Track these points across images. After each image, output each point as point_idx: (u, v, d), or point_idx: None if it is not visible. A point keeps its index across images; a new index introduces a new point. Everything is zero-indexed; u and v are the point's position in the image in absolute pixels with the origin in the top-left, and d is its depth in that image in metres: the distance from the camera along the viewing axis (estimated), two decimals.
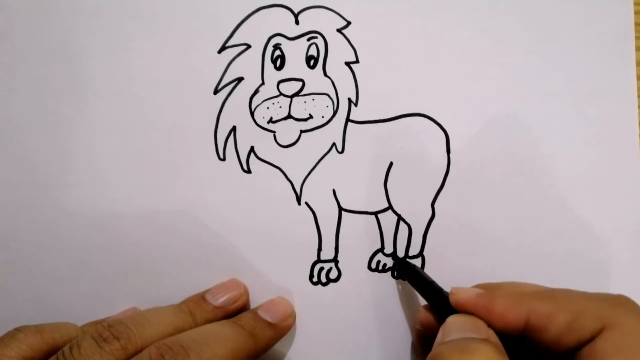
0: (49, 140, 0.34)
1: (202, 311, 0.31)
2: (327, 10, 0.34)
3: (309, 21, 0.33)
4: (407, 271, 0.32)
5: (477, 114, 0.34)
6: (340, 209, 0.34)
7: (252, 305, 0.33)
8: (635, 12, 0.34)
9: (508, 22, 0.34)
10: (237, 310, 0.32)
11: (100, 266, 0.33)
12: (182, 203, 0.33)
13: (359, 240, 0.34)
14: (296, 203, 0.34)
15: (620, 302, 0.24)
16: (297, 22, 0.33)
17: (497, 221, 0.34)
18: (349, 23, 0.34)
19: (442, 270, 0.33)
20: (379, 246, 0.34)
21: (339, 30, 0.34)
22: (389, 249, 0.34)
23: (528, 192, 0.34)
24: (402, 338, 0.34)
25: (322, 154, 0.34)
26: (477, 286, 0.30)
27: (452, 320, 0.26)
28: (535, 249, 0.34)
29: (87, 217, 0.33)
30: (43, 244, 0.33)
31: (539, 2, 0.34)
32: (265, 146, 0.33)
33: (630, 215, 0.34)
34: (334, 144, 0.34)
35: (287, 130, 0.33)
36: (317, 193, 0.34)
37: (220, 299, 0.31)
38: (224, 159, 0.34)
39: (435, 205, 0.34)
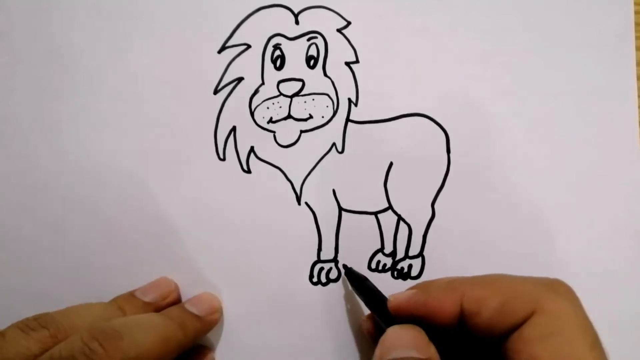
0: (49, 140, 0.34)
1: (132, 306, 0.31)
2: (327, 10, 0.34)
3: (309, 21, 0.33)
4: (351, 279, 0.32)
5: (477, 114, 0.34)
6: (340, 209, 0.34)
7: None
8: (635, 12, 0.34)
9: (508, 22, 0.34)
10: (167, 306, 0.32)
11: (100, 266, 0.33)
12: (182, 203, 0.33)
13: (359, 240, 0.34)
14: (296, 203, 0.34)
15: (553, 286, 0.24)
16: (297, 22, 0.33)
17: (497, 221, 0.34)
18: (349, 23, 0.34)
19: (442, 270, 0.33)
20: (379, 246, 0.34)
21: (339, 30, 0.34)
22: (389, 249, 0.34)
23: (528, 192, 0.34)
24: None
25: (322, 154, 0.34)
26: (413, 287, 0.30)
27: (391, 333, 0.25)
28: (535, 249, 0.34)
29: (87, 217, 0.33)
30: (43, 244, 0.33)
31: (539, 2, 0.34)
32: (265, 146, 0.33)
33: (630, 215, 0.34)
34: (334, 144, 0.34)
35: (287, 130, 0.33)
36: (317, 193, 0.34)
37: (150, 295, 0.32)
38: (224, 159, 0.34)
39: (435, 205, 0.34)
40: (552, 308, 0.22)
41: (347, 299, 0.34)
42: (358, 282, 0.32)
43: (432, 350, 0.24)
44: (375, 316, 0.29)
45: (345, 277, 0.33)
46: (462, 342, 0.25)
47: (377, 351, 0.25)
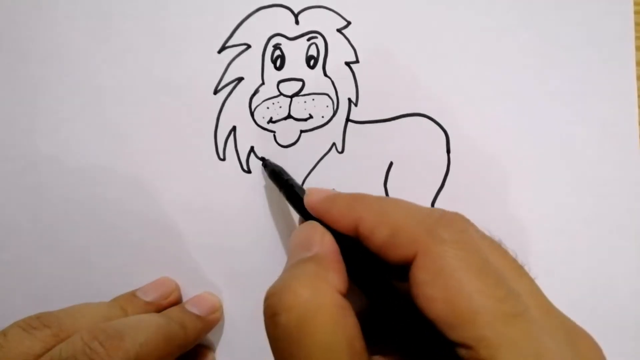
0: (49, 140, 0.34)
1: (134, 307, 0.31)
2: (327, 10, 0.34)
3: (309, 21, 0.33)
4: (271, 173, 0.32)
5: (477, 114, 0.34)
6: None
7: None
8: (635, 12, 0.34)
9: (508, 22, 0.34)
10: (168, 306, 0.32)
11: (101, 266, 0.33)
12: (182, 203, 0.33)
13: None
14: None
15: (441, 222, 0.22)
16: (297, 22, 0.33)
17: (496, 221, 0.33)
18: (349, 23, 0.34)
19: None
20: None
21: (339, 30, 0.34)
22: None
23: (528, 192, 0.34)
24: None
25: (322, 154, 0.34)
26: (332, 192, 0.29)
27: (295, 233, 0.26)
28: (535, 249, 0.34)
29: (87, 217, 0.33)
30: (43, 244, 0.33)
31: (539, 2, 0.34)
32: (265, 146, 0.33)
33: (630, 215, 0.34)
34: (334, 144, 0.34)
35: (287, 130, 0.33)
36: None
37: (151, 295, 0.32)
38: (224, 159, 0.34)
39: (435, 205, 0.34)
40: (432, 247, 0.21)
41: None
42: (277, 176, 0.31)
43: (325, 241, 0.24)
44: (295, 210, 0.29)
45: (264, 171, 0.33)
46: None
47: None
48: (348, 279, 0.23)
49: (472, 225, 0.23)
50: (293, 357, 0.21)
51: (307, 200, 0.27)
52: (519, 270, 0.22)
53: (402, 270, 0.22)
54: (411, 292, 0.21)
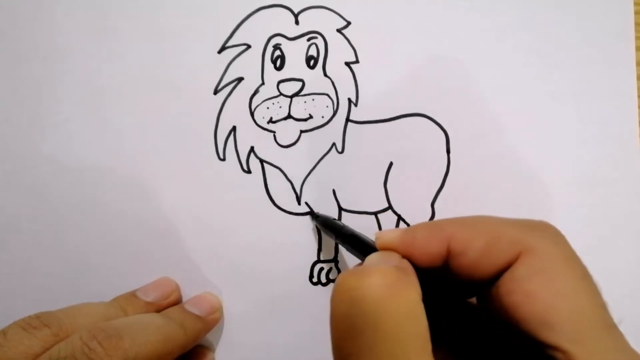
0: (49, 140, 0.34)
1: (134, 307, 0.31)
2: (327, 10, 0.34)
3: (309, 21, 0.33)
4: (326, 227, 0.31)
5: (477, 114, 0.34)
6: (340, 209, 0.34)
7: None
8: (635, 12, 0.34)
9: (508, 22, 0.34)
10: (168, 306, 0.32)
11: (100, 266, 0.33)
12: (182, 203, 0.33)
13: None
14: (296, 203, 0.34)
15: (538, 226, 0.23)
16: (297, 22, 0.33)
17: None
18: (349, 23, 0.34)
19: None
20: None
21: (339, 30, 0.34)
22: None
23: (528, 192, 0.34)
24: None
25: (322, 154, 0.34)
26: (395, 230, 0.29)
27: (368, 258, 0.25)
28: None
29: (87, 217, 0.33)
30: (43, 244, 0.33)
31: (539, 2, 0.34)
32: (265, 146, 0.33)
33: (630, 215, 0.34)
34: (334, 144, 0.34)
35: (287, 130, 0.33)
36: (317, 193, 0.34)
37: (151, 295, 0.32)
38: (224, 159, 0.34)
39: (435, 205, 0.34)
40: (539, 247, 0.22)
41: None
42: (336, 231, 0.30)
43: (403, 261, 0.24)
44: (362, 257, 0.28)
45: (318, 228, 0.32)
46: (447, 285, 0.25)
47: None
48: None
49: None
50: (359, 334, 0.20)
51: (383, 242, 0.25)
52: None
53: (480, 287, 0.22)
54: (503, 291, 0.21)
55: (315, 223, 0.33)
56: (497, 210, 0.33)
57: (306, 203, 0.34)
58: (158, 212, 0.33)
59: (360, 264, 0.26)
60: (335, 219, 0.32)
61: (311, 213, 0.33)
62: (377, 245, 0.26)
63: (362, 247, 0.27)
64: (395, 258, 0.24)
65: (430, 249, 0.24)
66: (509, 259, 0.22)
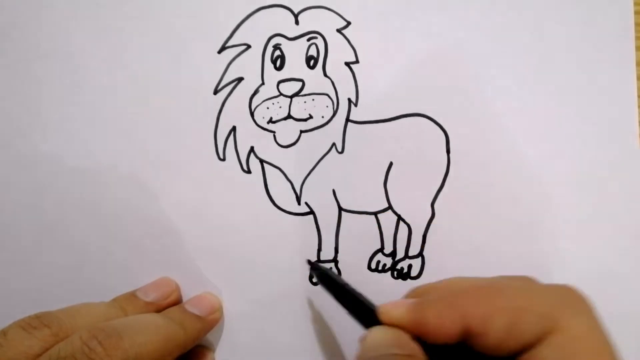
0: (48, 140, 0.34)
1: (134, 307, 0.31)
2: (327, 11, 0.34)
3: (309, 21, 0.33)
4: (323, 280, 0.29)
5: (477, 114, 0.34)
6: (340, 209, 0.34)
7: None
8: (635, 12, 0.34)
9: (508, 22, 0.34)
10: (168, 306, 0.32)
11: (100, 266, 0.33)
12: (182, 203, 0.33)
13: (358, 241, 0.34)
14: (296, 203, 0.34)
15: (568, 299, 0.21)
16: (297, 22, 0.33)
17: (496, 221, 0.34)
18: (349, 23, 0.34)
19: (442, 270, 0.33)
20: (378, 246, 0.34)
21: (339, 31, 0.34)
22: (388, 249, 0.34)
23: (528, 192, 0.34)
24: None
25: (322, 154, 0.34)
26: (410, 294, 0.27)
27: (373, 334, 0.23)
28: (535, 249, 0.34)
29: (87, 217, 0.33)
30: (43, 244, 0.33)
31: (539, 2, 0.34)
32: (265, 146, 0.33)
33: (631, 215, 0.34)
34: (333, 144, 0.34)
35: (287, 131, 0.33)
36: (317, 193, 0.34)
37: (151, 295, 0.32)
38: (224, 159, 0.34)
39: (435, 205, 0.34)
40: (569, 327, 0.20)
41: None
42: (335, 287, 0.28)
43: (415, 348, 0.22)
44: (360, 322, 0.26)
45: (312, 274, 0.31)
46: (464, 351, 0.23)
47: (357, 353, 0.23)
48: None
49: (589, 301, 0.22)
50: None
51: (388, 316, 0.23)
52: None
53: None
54: None
55: (312, 273, 0.32)
56: (497, 210, 0.33)
57: (306, 203, 0.34)
58: (158, 212, 0.33)
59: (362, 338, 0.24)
60: (333, 272, 0.30)
61: (309, 262, 0.32)
62: (384, 319, 0.24)
63: (364, 313, 0.25)
64: (406, 341, 0.22)
65: (444, 330, 0.22)
66: (535, 337, 0.20)
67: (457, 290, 0.23)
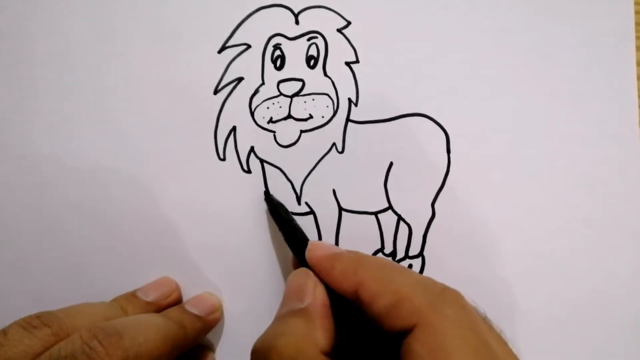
0: (49, 140, 0.34)
1: (134, 306, 0.31)
2: (327, 10, 0.34)
3: (309, 21, 0.33)
4: (274, 213, 0.32)
5: (477, 114, 0.34)
6: (340, 209, 0.34)
7: None
8: (635, 12, 0.34)
9: (508, 22, 0.34)
10: (168, 306, 0.32)
11: (101, 266, 0.33)
12: (182, 203, 0.33)
13: (359, 240, 0.34)
14: (296, 203, 0.34)
15: (443, 296, 0.23)
16: (297, 22, 0.33)
17: (497, 221, 0.34)
18: (349, 23, 0.34)
19: (442, 270, 0.33)
20: (379, 246, 0.34)
21: (339, 30, 0.34)
22: (389, 249, 0.34)
23: (528, 192, 0.34)
24: None
25: (322, 154, 0.34)
26: (348, 251, 0.29)
27: (289, 280, 0.27)
28: (535, 249, 0.34)
29: (87, 217, 0.33)
30: (43, 244, 0.33)
31: (539, 2, 0.34)
32: (265, 146, 0.33)
33: (630, 215, 0.34)
34: (334, 144, 0.34)
35: (287, 130, 0.33)
36: (317, 193, 0.34)
37: (151, 295, 0.32)
38: (224, 159, 0.34)
39: (435, 205, 0.34)
40: (434, 322, 0.21)
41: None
42: (280, 218, 0.31)
43: (317, 295, 0.25)
44: (296, 256, 0.30)
45: (267, 206, 0.33)
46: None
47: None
48: (335, 331, 0.24)
49: (468, 302, 0.24)
50: None
51: (310, 255, 0.27)
52: (507, 348, 0.23)
53: (393, 337, 0.23)
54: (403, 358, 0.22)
55: (266, 204, 0.33)
56: (497, 210, 0.33)
57: (306, 203, 0.34)
58: (158, 211, 0.33)
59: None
60: (285, 208, 0.32)
61: (265, 194, 0.33)
62: (307, 255, 0.28)
63: (297, 246, 0.29)
64: (309, 289, 0.26)
65: (342, 287, 0.25)
66: (407, 325, 0.22)
67: (362, 260, 0.26)
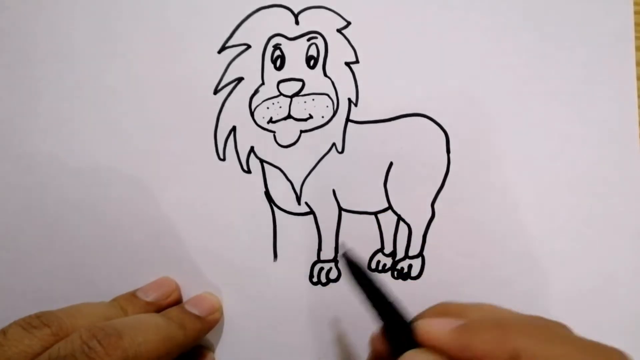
0: (49, 140, 0.34)
1: (134, 306, 0.31)
2: (327, 11, 0.34)
3: (309, 21, 0.33)
4: (358, 279, 0.26)
5: (477, 114, 0.34)
6: (340, 209, 0.34)
7: None
8: (635, 12, 0.34)
9: (508, 22, 0.34)
10: (168, 306, 0.32)
11: (100, 266, 0.33)
12: (182, 203, 0.33)
13: (359, 241, 0.34)
14: (296, 203, 0.34)
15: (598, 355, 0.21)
16: (297, 22, 0.33)
17: (496, 221, 0.34)
18: (349, 23, 0.34)
19: (442, 270, 0.33)
20: (378, 246, 0.34)
21: (339, 31, 0.34)
22: (388, 249, 0.34)
23: (528, 192, 0.34)
24: None
25: (322, 154, 0.34)
26: (439, 307, 0.26)
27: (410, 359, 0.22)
28: (535, 249, 0.34)
29: (88, 217, 0.33)
30: (43, 244, 0.34)
31: (539, 2, 0.34)
32: (265, 146, 0.33)
33: (630, 215, 0.34)
34: (334, 144, 0.34)
35: (287, 130, 0.33)
36: (317, 193, 0.34)
37: (151, 295, 0.32)
38: (224, 159, 0.34)
39: (435, 205, 0.34)
40: None
41: (347, 298, 0.34)
42: (368, 286, 0.25)
43: None
44: (389, 334, 0.24)
45: (344, 263, 0.27)
46: None
47: None
48: None
49: None
50: None
51: (428, 337, 0.22)
52: None
53: None
54: None
55: (344, 262, 0.27)
56: (497, 210, 0.33)
57: (306, 203, 0.34)
58: (158, 212, 0.33)
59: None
60: (367, 270, 0.27)
61: (343, 254, 0.27)
62: (420, 335, 0.22)
63: (397, 321, 0.24)
64: None
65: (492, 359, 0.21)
66: None
67: (504, 319, 0.22)
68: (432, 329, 0.22)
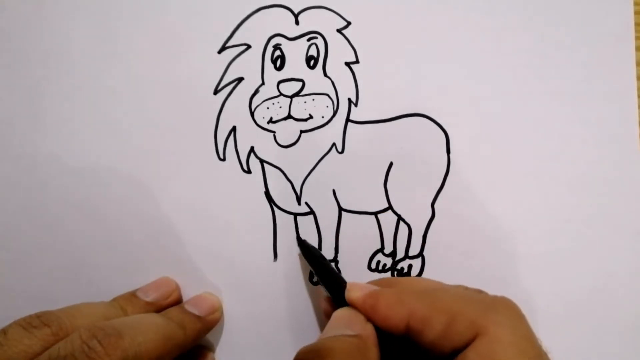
0: (49, 140, 0.34)
1: (134, 306, 0.31)
2: (327, 11, 0.34)
3: (309, 21, 0.33)
4: (308, 256, 0.32)
5: (477, 114, 0.34)
6: (340, 209, 0.34)
7: None
8: (635, 12, 0.34)
9: (508, 22, 0.34)
10: (168, 306, 0.32)
11: (101, 266, 0.33)
12: (182, 203, 0.33)
13: (359, 241, 0.34)
14: (296, 203, 0.34)
15: (496, 306, 0.23)
16: (297, 23, 0.33)
17: (496, 221, 0.34)
18: (349, 23, 0.34)
19: (442, 270, 0.33)
20: (378, 246, 0.34)
21: (339, 31, 0.34)
22: (388, 249, 0.34)
23: (528, 192, 0.34)
24: None
25: (322, 154, 0.34)
26: (375, 282, 0.30)
27: (335, 315, 0.27)
28: (535, 249, 0.34)
29: (88, 217, 0.33)
30: (43, 244, 0.34)
31: (539, 2, 0.34)
32: (265, 146, 0.33)
33: (630, 215, 0.34)
34: (334, 144, 0.34)
35: (287, 131, 0.33)
36: (317, 193, 0.34)
37: (151, 295, 0.32)
38: (224, 159, 0.34)
39: (435, 205, 0.34)
40: (492, 331, 0.22)
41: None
42: (314, 260, 0.31)
43: (366, 329, 0.25)
44: (333, 300, 0.29)
45: (301, 253, 0.33)
46: (413, 349, 0.25)
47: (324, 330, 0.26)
48: None
49: (521, 310, 0.24)
50: None
51: (350, 295, 0.27)
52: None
53: None
54: None
55: (299, 249, 0.33)
56: (497, 210, 0.33)
57: (306, 203, 0.34)
58: (158, 212, 0.33)
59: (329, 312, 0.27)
60: (319, 252, 0.33)
61: (298, 239, 0.33)
62: (346, 298, 0.27)
63: (334, 285, 0.29)
64: (359, 322, 0.25)
65: (391, 321, 0.25)
66: (465, 341, 0.22)
67: (407, 289, 0.26)
68: (352, 293, 0.27)
